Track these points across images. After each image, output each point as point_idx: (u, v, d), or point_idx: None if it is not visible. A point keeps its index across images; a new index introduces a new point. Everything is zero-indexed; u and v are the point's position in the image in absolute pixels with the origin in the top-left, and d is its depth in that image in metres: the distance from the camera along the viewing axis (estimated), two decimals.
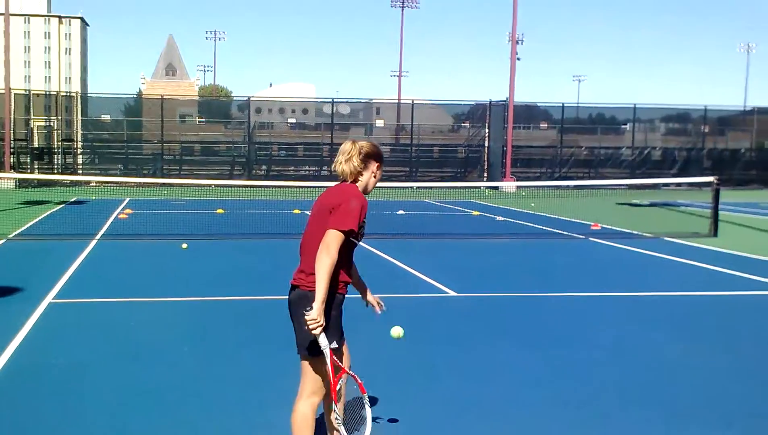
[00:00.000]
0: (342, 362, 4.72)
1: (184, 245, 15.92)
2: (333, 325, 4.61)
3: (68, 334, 8.87)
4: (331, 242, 4.51)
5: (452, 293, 11.59)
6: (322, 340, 4.49)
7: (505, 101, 42.22)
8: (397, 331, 5.21)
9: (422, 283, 12.37)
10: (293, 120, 52.43)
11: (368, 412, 4.67)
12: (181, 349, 8.21)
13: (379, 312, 5.13)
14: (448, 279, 12.52)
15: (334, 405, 4.60)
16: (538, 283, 12.72)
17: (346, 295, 4.73)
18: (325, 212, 4.66)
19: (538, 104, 53.27)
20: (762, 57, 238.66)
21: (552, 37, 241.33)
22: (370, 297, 5.16)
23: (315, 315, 4.40)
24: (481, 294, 11.66)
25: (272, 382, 7.01)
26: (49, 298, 10.65)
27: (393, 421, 5.99)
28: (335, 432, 4.80)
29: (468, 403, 6.56)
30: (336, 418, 4.59)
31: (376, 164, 4.86)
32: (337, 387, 4.60)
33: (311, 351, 4.60)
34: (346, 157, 4.79)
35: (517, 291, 11.98)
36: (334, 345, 4.60)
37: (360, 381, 4.62)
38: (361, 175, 4.80)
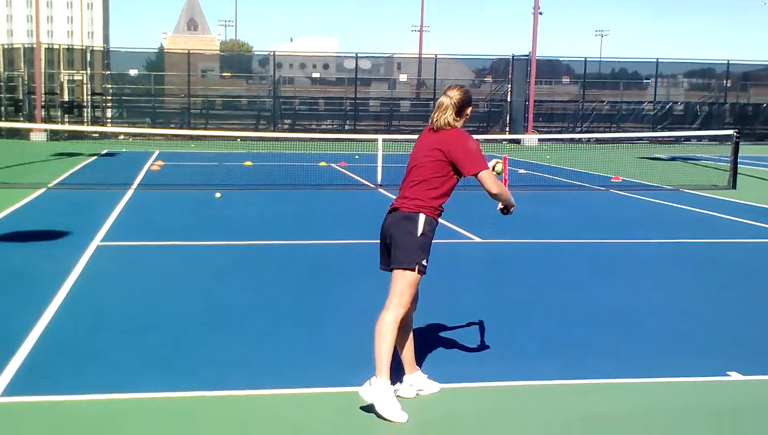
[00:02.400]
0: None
1: (218, 194, 16.55)
2: (427, 245, 5.32)
3: (118, 273, 9.49)
4: (492, 180, 5.31)
5: (477, 239, 12.14)
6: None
7: (527, 56, 42.32)
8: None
9: (448, 230, 12.87)
10: (317, 74, 52.65)
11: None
12: (231, 285, 8.82)
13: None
14: (472, 227, 13.04)
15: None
16: (561, 230, 13.26)
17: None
18: (436, 155, 5.33)
19: (561, 59, 53.23)
20: None
21: None
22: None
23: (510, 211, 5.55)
24: (505, 240, 12.18)
25: (311, 310, 7.63)
26: (97, 240, 11.28)
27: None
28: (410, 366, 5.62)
29: (507, 339, 7.14)
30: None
31: (470, 108, 5.51)
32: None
33: (407, 263, 5.25)
34: (442, 112, 5.41)
35: (540, 238, 12.50)
36: (425, 263, 5.29)
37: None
38: (458, 122, 5.46)
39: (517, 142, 39.12)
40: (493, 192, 5.32)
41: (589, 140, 40.55)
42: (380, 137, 21.13)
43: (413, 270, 5.25)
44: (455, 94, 5.43)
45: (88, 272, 9.34)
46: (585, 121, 45.20)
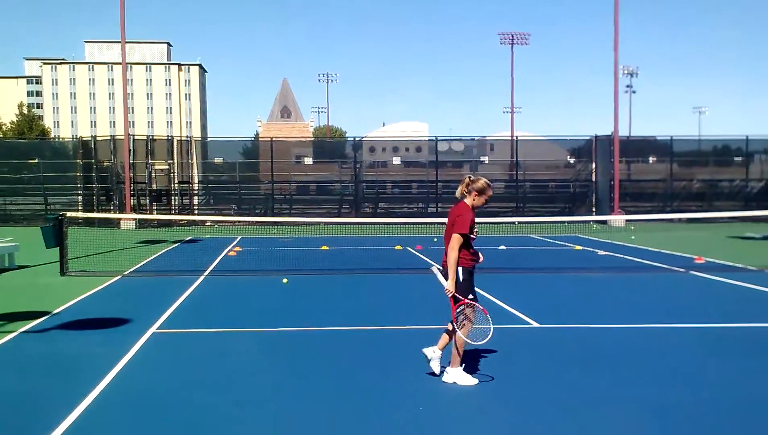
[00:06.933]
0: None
1: (285, 280, 16.67)
2: (465, 285, 7.99)
3: (167, 360, 9.57)
4: (454, 242, 7.94)
5: (534, 324, 11.82)
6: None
7: (610, 135, 41.91)
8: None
9: (506, 313, 12.63)
10: (404, 159, 53.16)
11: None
12: (274, 375, 8.76)
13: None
14: (532, 311, 12.75)
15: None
16: (625, 314, 12.78)
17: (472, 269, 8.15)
18: (452, 221, 7.99)
19: (649, 138, 52.50)
20: None
21: (671, 69, 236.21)
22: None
23: (449, 287, 7.96)
24: (564, 325, 11.82)
25: (367, 401, 7.49)
26: (153, 328, 11.45)
27: None
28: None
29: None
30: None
31: (474, 193, 8.13)
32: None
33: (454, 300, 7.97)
34: (461, 186, 8.18)
35: (602, 323, 12.06)
36: (471, 297, 7.96)
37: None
38: (466, 197, 8.19)
39: (604, 222, 38.45)
40: (450, 249, 7.99)
41: (679, 220, 39.53)
42: None
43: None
44: (470, 178, 8.26)
45: (137, 359, 9.46)
46: (675, 200, 44.20)
